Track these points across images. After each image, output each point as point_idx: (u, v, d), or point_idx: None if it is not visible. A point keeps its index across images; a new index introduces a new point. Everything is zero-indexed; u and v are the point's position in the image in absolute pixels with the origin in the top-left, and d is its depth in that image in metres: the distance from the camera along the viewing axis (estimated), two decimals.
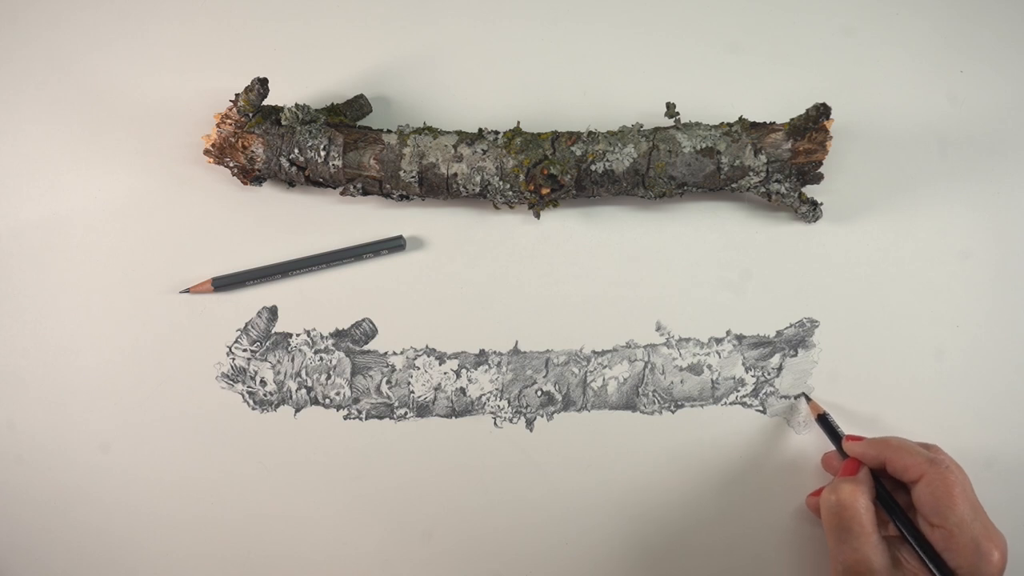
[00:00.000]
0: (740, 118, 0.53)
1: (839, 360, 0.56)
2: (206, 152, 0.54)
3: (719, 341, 0.56)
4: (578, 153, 0.53)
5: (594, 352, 0.56)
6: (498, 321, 0.56)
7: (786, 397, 0.56)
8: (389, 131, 0.54)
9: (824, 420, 0.53)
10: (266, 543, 0.54)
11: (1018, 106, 0.58)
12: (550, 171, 0.52)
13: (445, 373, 0.56)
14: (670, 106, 0.54)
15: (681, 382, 0.56)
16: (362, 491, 0.55)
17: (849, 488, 0.47)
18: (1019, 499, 0.54)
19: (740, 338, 0.56)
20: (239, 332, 0.56)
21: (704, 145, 0.52)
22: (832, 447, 0.52)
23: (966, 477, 0.46)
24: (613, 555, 0.54)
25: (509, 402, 0.56)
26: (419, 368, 0.56)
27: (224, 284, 0.55)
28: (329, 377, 0.56)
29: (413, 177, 0.53)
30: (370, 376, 0.56)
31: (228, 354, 0.55)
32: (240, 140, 0.53)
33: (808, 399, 0.55)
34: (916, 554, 0.46)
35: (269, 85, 0.52)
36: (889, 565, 0.45)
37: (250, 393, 0.55)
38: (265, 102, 0.54)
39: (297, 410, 0.55)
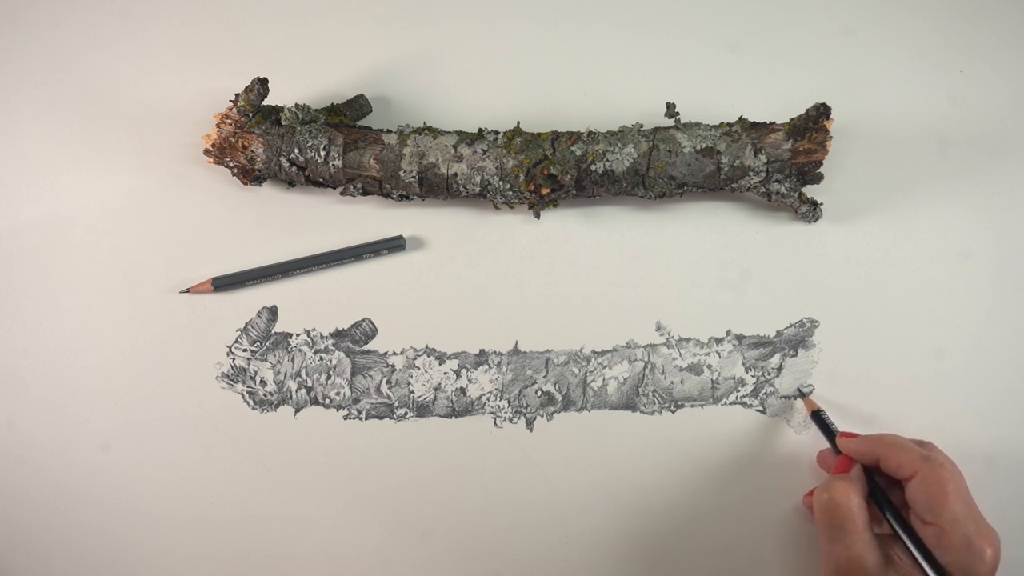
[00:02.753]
0: (740, 118, 0.53)
1: (839, 360, 0.56)
2: (206, 152, 0.54)
3: (719, 341, 0.56)
4: (578, 153, 0.53)
5: (594, 352, 0.56)
6: (498, 321, 0.56)
7: (786, 397, 0.56)
8: (389, 131, 0.54)
9: (818, 417, 0.53)
10: (266, 543, 0.54)
11: (1018, 106, 0.58)
12: (550, 171, 0.52)
13: (445, 373, 0.56)
14: (670, 106, 0.54)
15: (681, 382, 0.56)
16: (362, 491, 0.55)
17: (842, 486, 0.47)
18: (1019, 498, 0.54)
19: (740, 338, 0.56)
20: (239, 332, 0.56)
21: (704, 145, 0.52)
22: (826, 444, 0.53)
23: (960, 474, 0.46)
24: (613, 555, 0.54)
25: (509, 402, 0.56)
26: (419, 368, 0.56)
27: (224, 284, 0.55)
28: (329, 377, 0.56)
29: (413, 177, 0.53)
30: (370, 376, 0.56)
31: (228, 354, 0.55)
32: (240, 140, 0.53)
33: (803, 395, 0.55)
34: (908, 552, 0.45)
35: (269, 85, 0.52)
36: (881, 563, 0.45)
37: (250, 393, 0.55)
38: (265, 102, 0.54)
39: (297, 410, 0.55)
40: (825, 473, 0.53)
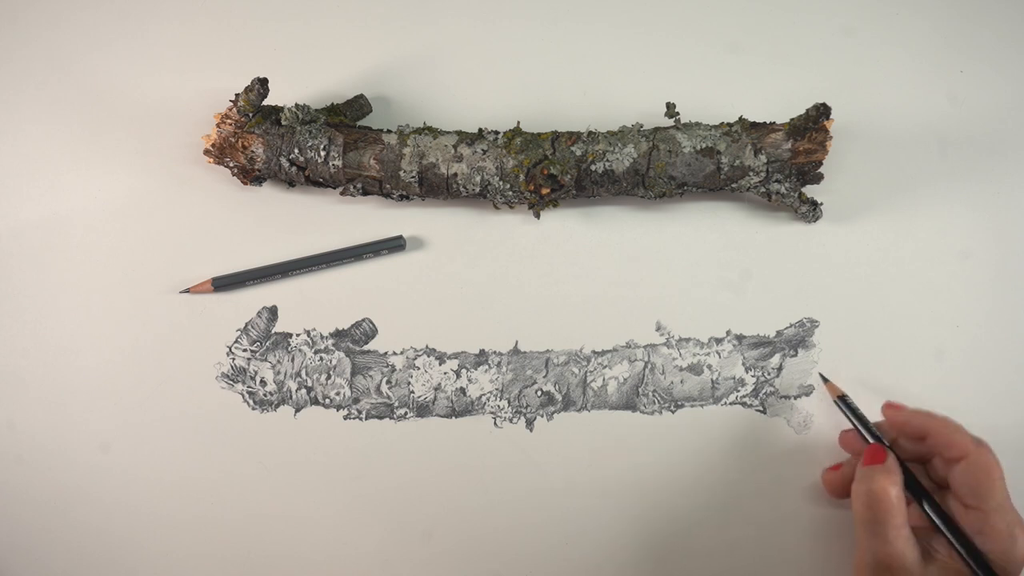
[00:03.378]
0: (740, 118, 0.53)
1: (839, 360, 0.56)
2: (206, 152, 0.54)
3: (719, 341, 0.56)
4: (578, 153, 0.53)
5: (594, 352, 0.56)
6: (498, 321, 0.56)
7: (786, 397, 0.56)
8: (389, 131, 0.54)
9: (844, 401, 0.52)
10: (266, 543, 0.54)
11: (1018, 106, 0.58)
12: (550, 171, 0.52)
13: (445, 373, 0.56)
14: (670, 106, 0.54)
15: (681, 382, 0.56)
16: (362, 491, 0.55)
17: (880, 478, 0.46)
18: (1020, 500, 0.54)
19: (740, 338, 0.56)
20: (239, 332, 0.56)
21: (704, 145, 0.52)
22: (847, 427, 0.52)
23: (1000, 465, 0.46)
24: (613, 555, 0.54)
25: (509, 402, 0.56)
26: (419, 368, 0.56)
27: (224, 284, 0.55)
28: (329, 377, 0.56)
29: (413, 177, 0.53)
30: (370, 376, 0.56)
31: (228, 354, 0.55)
32: (240, 140, 0.53)
33: (825, 380, 0.55)
34: (946, 542, 0.45)
35: (269, 85, 0.52)
36: (920, 559, 0.45)
37: (250, 393, 0.55)
38: (265, 102, 0.54)
39: (297, 410, 0.55)
40: (846, 453, 0.53)
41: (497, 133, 0.54)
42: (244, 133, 0.53)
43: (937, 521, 0.46)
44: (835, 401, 0.53)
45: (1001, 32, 0.59)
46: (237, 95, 0.53)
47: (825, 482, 0.53)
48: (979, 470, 0.45)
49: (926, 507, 0.47)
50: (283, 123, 0.53)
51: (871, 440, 0.50)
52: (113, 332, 0.55)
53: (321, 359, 0.56)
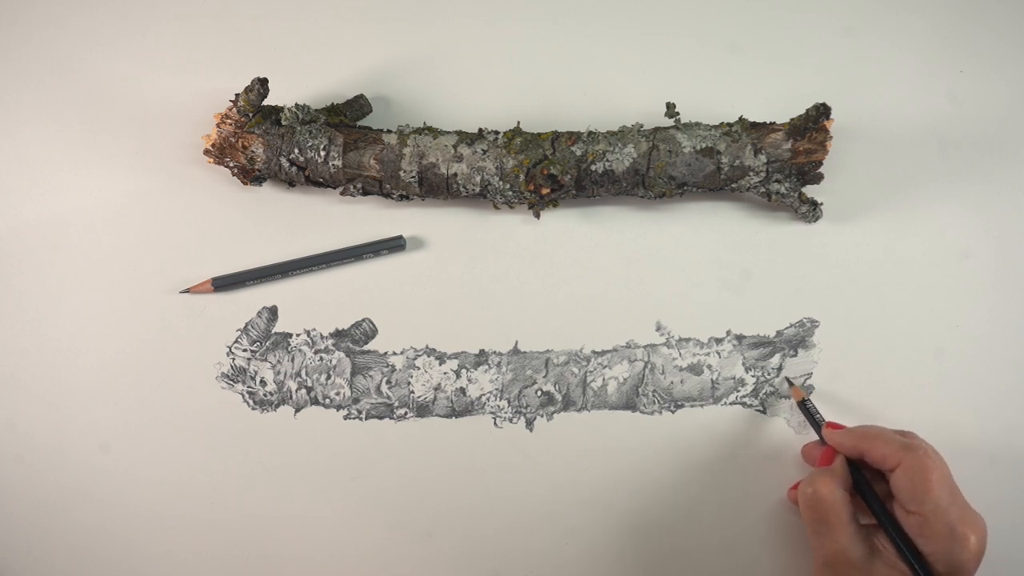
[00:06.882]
0: (740, 118, 0.53)
1: (839, 360, 0.56)
2: (206, 152, 0.54)
3: (719, 341, 0.56)
4: (578, 153, 0.53)
5: (594, 352, 0.56)
6: (498, 321, 0.56)
7: (786, 397, 0.56)
8: (389, 131, 0.54)
9: (804, 406, 0.53)
10: (266, 543, 0.54)
11: (1018, 106, 0.58)
12: (550, 171, 0.52)
13: (445, 373, 0.56)
14: (670, 106, 0.54)
15: (681, 382, 0.56)
16: (362, 491, 0.55)
17: (824, 480, 0.47)
18: (1020, 498, 0.54)
19: (740, 338, 0.56)
20: (239, 332, 0.56)
21: (704, 145, 0.52)
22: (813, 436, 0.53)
23: (944, 463, 0.46)
24: (613, 555, 0.54)
25: (509, 402, 0.56)
26: (419, 368, 0.56)
27: (224, 284, 0.55)
28: (329, 377, 0.56)
29: (413, 177, 0.53)
30: (370, 376, 0.56)
31: (228, 354, 0.55)
32: (240, 140, 0.53)
33: (790, 383, 0.55)
34: (893, 541, 0.46)
35: (269, 85, 0.52)
36: (867, 554, 0.45)
37: (250, 393, 0.55)
38: (265, 102, 0.54)
39: (297, 410, 0.55)
40: (811, 467, 0.53)
41: (497, 133, 0.54)
42: (244, 133, 0.53)
43: (884, 525, 0.46)
44: (797, 405, 0.54)
45: (1001, 32, 0.59)
46: (237, 95, 0.52)
47: (791, 499, 0.53)
48: (912, 475, 0.45)
49: (872, 510, 0.47)
50: (283, 123, 0.53)
51: (824, 443, 0.50)
52: (113, 332, 0.55)
53: (321, 359, 0.56)
